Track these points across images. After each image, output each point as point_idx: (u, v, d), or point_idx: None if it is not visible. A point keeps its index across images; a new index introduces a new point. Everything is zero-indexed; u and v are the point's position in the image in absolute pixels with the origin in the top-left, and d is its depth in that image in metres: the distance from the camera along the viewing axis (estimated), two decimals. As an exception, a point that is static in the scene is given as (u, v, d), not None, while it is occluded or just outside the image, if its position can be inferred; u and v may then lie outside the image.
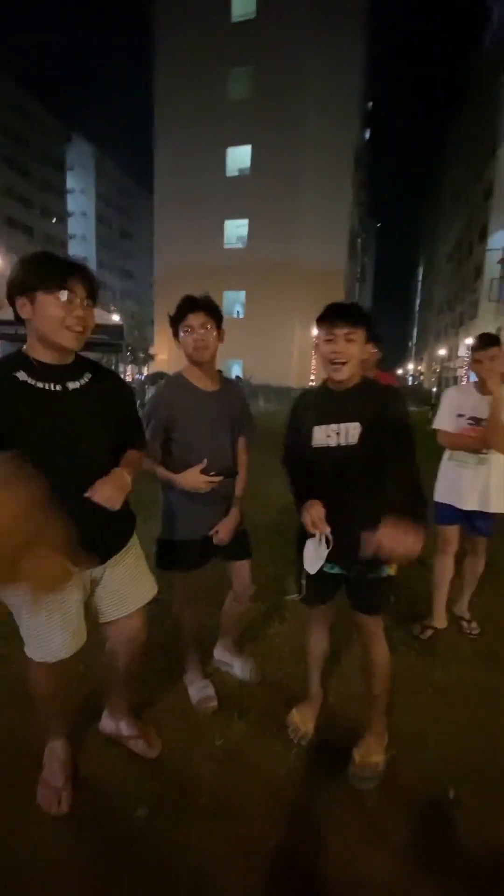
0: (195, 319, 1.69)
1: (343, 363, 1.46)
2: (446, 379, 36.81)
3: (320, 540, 1.50)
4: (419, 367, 61.99)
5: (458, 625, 2.59)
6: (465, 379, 29.24)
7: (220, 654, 2.20)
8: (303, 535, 1.59)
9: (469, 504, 2.38)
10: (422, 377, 59.12)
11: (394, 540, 1.25)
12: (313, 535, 1.51)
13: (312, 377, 21.81)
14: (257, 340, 27.44)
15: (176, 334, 1.74)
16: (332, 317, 1.47)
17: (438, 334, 51.71)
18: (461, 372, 31.97)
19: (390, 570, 1.52)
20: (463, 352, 31.75)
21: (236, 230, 29.17)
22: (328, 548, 1.49)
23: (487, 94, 34.64)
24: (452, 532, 2.49)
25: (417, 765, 1.69)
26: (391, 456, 1.42)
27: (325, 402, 1.59)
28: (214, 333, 1.73)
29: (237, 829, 1.44)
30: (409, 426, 1.48)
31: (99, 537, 1.34)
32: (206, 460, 1.73)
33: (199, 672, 2.04)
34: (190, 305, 1.70)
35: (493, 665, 2.29)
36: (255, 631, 2.49)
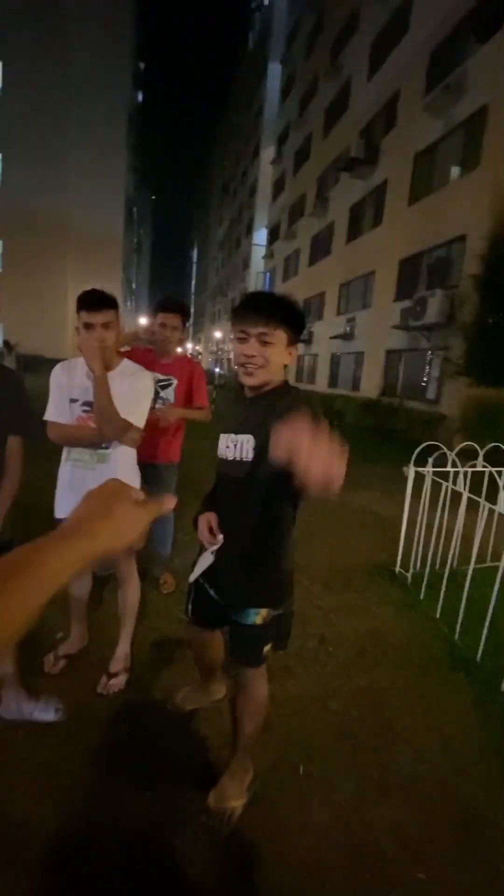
0: None
1: (256, 367, 1.24)
2: (221, 360, 39.81)
3: (210, 552, 1.40)
4: (197, 347, 65.23)
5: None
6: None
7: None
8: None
9: None
10: (200, 356, 62.44)
11: (301, 442, 0.59)
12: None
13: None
14: (21, 302, 23.67)
15: None
16: (244, 310, 1.22)
17: (213, 317, 55.23)
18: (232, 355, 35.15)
19: (256, 619, 1.35)
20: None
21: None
22: (211, 560, 1.40)
23: (251, 94, 37.69)
24: None
25: (267, 748, 1.72)
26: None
27: (233, 407, 1.40)
28: None
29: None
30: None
31: None
32: None
33: None
34: None
35: (302, 629, 2.56)
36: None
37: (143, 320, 44.01)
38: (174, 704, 1.88)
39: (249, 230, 36.23)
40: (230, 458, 1.34)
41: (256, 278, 33.24)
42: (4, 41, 22.52)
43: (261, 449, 1.24)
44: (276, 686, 2.07)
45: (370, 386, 14.48)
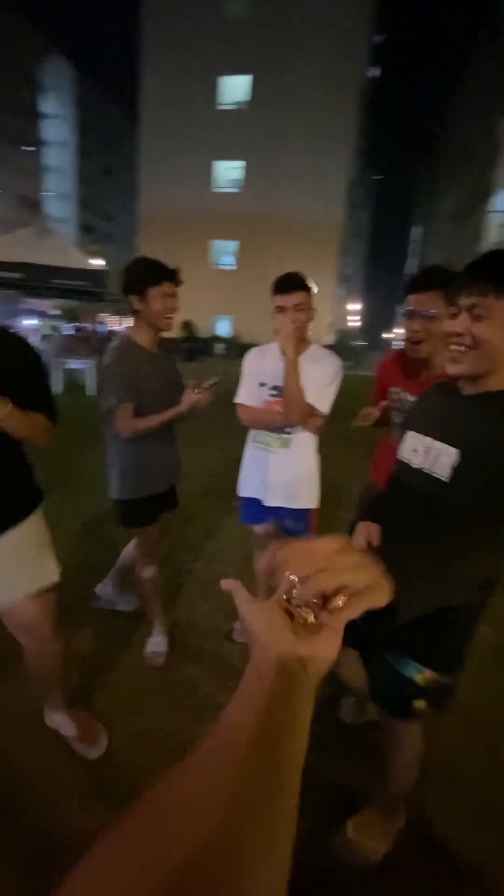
0: (172, 288, 1.75)
1: (464, 349, 0.92)
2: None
3: None
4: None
5: None
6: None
7: (103, 590, 2.33)
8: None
9: (273, 498, 1.90)
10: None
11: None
12: None
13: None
14: (248, 296, 26.31)
15: (138, 293, 1.71)
16: (462, 276, 0.93)
17: (430, 299, 50.59)
18: (451, 339, 31.64)
19: (416, 677, 1.05)
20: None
21: (227, 172, 27.20)
22: None
23: (499, 43, 32.26)
24: (264, 529, 2.06)
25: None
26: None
27: (436, 400, 1.09)
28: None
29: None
30: None
31: None
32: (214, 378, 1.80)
33: (160, 628, 2.12)
34: (168, 274, 1.72)
35: None
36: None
37: (358, 306, 43.06)
38: (343, 714, 1.80)
39: (486, 196, 31.53)
40: (415, 466, 1.04)
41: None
42: (255, 58, 24.80)
43: (465, 470, 0.92)
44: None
45: None
